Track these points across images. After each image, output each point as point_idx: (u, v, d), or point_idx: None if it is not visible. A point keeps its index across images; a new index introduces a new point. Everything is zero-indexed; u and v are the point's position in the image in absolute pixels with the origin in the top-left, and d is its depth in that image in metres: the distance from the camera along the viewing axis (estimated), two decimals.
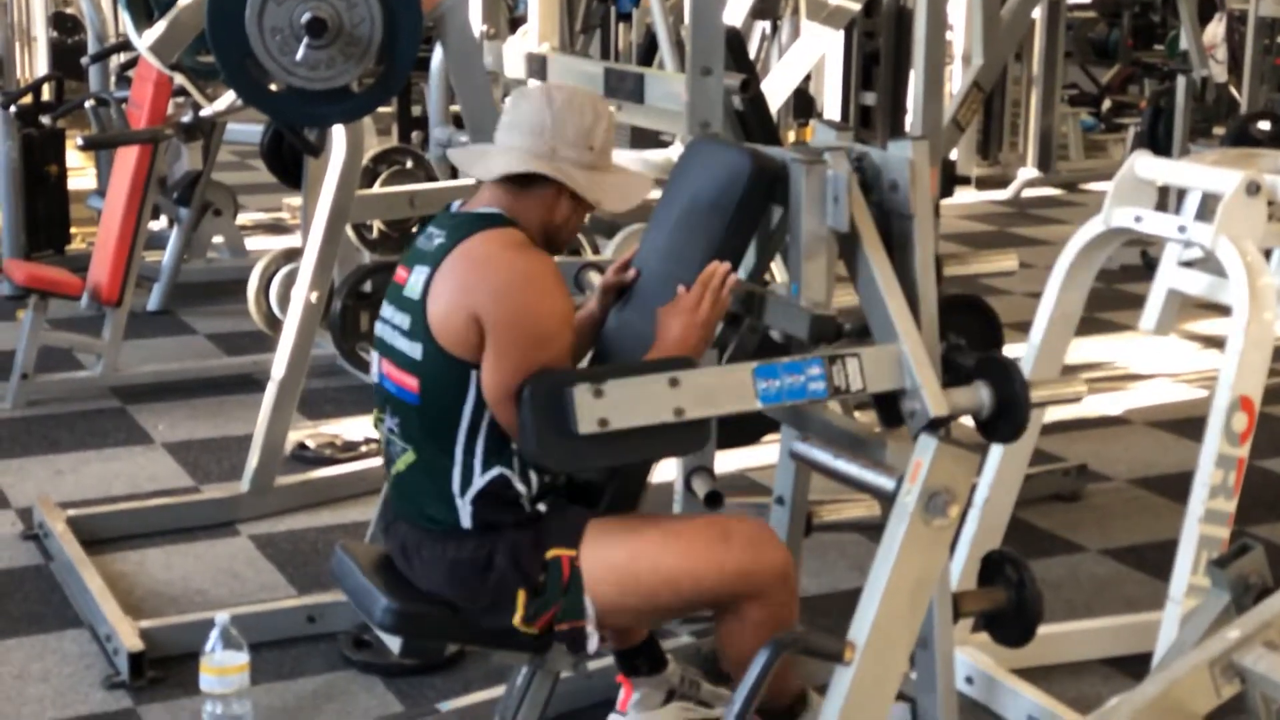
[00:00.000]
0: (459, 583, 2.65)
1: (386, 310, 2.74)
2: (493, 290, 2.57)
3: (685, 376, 2.46)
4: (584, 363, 2.87)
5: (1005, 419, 2.60)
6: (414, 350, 2.64)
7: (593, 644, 2.67)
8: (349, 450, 4.99)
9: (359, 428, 5.17)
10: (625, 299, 2.87)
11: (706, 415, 2.50)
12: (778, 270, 3.62)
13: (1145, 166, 3.33)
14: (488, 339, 2.56)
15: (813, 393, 2.53)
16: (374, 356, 2.78)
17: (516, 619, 2.62)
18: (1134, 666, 3.42)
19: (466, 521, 2.65)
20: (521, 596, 2.62)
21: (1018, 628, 2.80)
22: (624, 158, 4.90)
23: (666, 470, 3.32)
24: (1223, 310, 3.15)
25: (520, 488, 2.65)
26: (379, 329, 2.76)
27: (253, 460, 4.48)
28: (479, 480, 2.63)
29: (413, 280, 2.66)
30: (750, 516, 3.00)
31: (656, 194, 3.02)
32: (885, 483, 2.53)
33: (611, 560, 2.65)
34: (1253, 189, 3.11)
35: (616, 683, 3.13)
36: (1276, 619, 2.25)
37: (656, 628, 2.98)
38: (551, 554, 2.63)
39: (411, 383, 2.65)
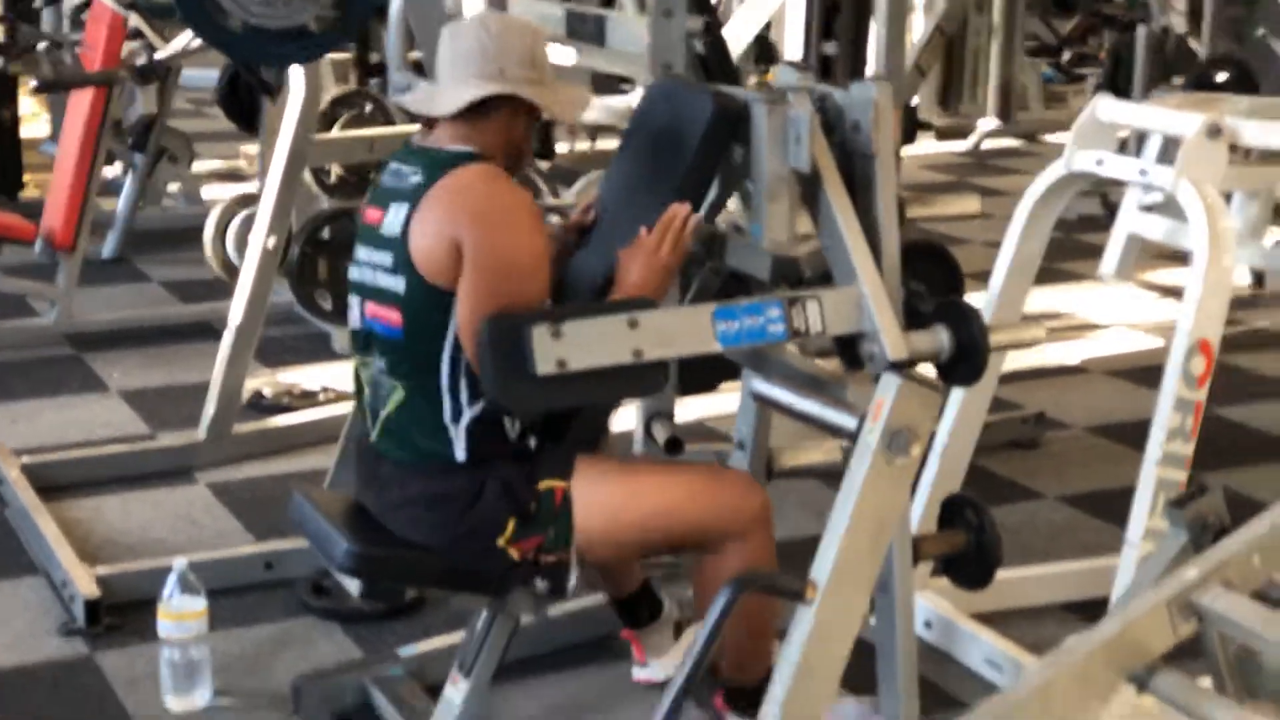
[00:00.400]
0: (442, 514, 2.64)
1: (362, 252, 2.73)
2: (473, 215, 2.57)
3: (644, 317, 2.45)
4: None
5: (964, 362, 2.60)
6: (397, 285, 2.64)
7: (573, 580, 2.68)
8: (306, 398, 4.96)
9: (316, 375, 5.15)
10: (586, 241, 2.85)
11: (665, 356, 2.49)
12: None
13: (1107, 110, 3.32)
14: (465, 266, 2.56)
15: (772, 335, 2.52)
16: (353, 301, 2.75)
17: (502, 540, 2.62)
18: (1092, 611, 3.43)
19: (460, 453, 2.64)
20: (511, 523, 2.63)
21: (977, 571, 2.81)
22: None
23: (626, 418, 3.32)
24: (1180, 260, 3.15)
25: (506, 420, 2.65)
26: (355, 273, 2.74)
27: (209, 408, 4.45)
28: (469, 412, 2.63)
29: (390, 218, 2.65)
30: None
31: (614, 143, 3.00)
32: (847, 421, 2.53)
33: (605, 489, 2.67)
34: (1214, 132, 3.11)
35: (622, 639, 3.16)
36: (1234, 559, 2.26)
37: (635, 562, 2.98)
38: (544, 485, 2.65)
39: (395, 317, 2.65)
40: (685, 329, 2.49)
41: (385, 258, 2.66)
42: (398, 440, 2.70)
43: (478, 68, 2.66)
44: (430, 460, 2.66)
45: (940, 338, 2.59)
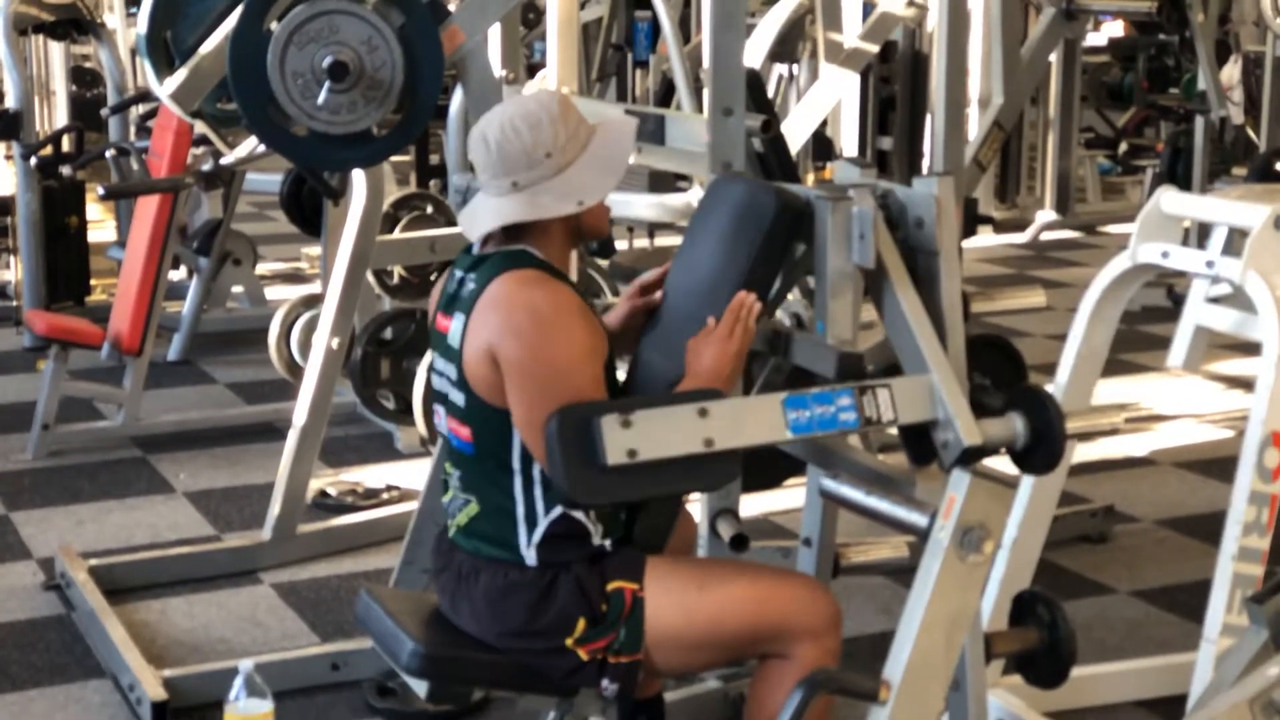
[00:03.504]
0: (512, 608, 2.62)
1: (437, 361, 2.74)
2: (505, 329, 2.55)
3: (715, 406, 2.43)
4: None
5: (1041, 449, 2.56)
6: (460, 399, 2.64)
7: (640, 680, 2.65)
8: (370, 497, 4.97)
9: (380, 475, 5.16)
10: (651, 338, 2.84)
11: (736, 446, 2.47)
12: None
13: (1171, 202, 3.31)
14: (506, 376, 2.55)
15: (844, 423, 2.50)
16: (437, 410, 2.76)
17: (570, 640, 2.59)
18: (1168, 709, 3.38)
19: (531, 561, 2.63)
20: (580, 623, 2.60)
21: (1051, 668, 2.77)
22: (642, 201, 4.90)
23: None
24: (1247, 351, 3.12)
25: (588, 524, 2.63)
26: (434, 380, 2.76)
27: (274, 508, 4.46)
28: (543, 522, 2.62)
29: (453, 328, 2.66)
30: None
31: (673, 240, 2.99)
32: (918, 519, 2.50)
33: (677, 591, 2.63)
34: None
35: None
36: None
37: (700, 671, 2.93)
38: (613, 586, 2.62)
39: (465, 432, 2.66)
40: (756, 418, 2.47)
41: (451, 370, 2.66)
42: (471, 542, 2.70)
43: (495, 186, 2.64)
44: (503, 560, 2.65)
45: (1015, 425, 2.56)
